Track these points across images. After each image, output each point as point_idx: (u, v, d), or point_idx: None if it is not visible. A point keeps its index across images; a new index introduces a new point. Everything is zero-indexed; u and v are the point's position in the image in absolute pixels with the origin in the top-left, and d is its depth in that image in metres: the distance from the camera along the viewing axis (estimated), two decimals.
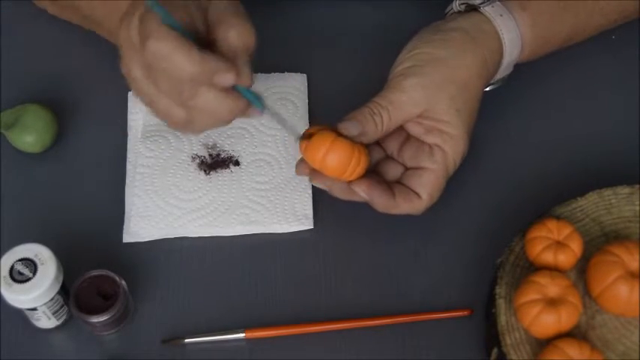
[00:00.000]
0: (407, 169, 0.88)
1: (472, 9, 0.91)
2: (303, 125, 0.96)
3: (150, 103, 0.80)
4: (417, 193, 0.86)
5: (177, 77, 0.76)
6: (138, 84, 0.79)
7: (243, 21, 0.79)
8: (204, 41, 0.78)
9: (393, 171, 0.89)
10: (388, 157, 0.90)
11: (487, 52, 0.89)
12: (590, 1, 0.93)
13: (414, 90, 0.86)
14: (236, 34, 0.78)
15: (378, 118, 0.86)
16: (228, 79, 0.76)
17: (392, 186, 0.87)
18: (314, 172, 0.87)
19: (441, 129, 0.86)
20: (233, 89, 0.78)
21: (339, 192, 0.87)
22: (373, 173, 0.88)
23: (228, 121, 0.81)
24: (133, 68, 0.78)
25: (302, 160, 0.87)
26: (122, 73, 0.80)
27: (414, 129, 0.88)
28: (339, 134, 0.84)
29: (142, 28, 0.76)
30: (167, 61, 0.75)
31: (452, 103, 0.86)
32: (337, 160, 0.83)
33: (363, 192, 0.85)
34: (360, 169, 0.85)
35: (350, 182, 0.85)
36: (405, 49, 0.89)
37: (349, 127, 0.85)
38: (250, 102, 0.79)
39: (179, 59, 0.75)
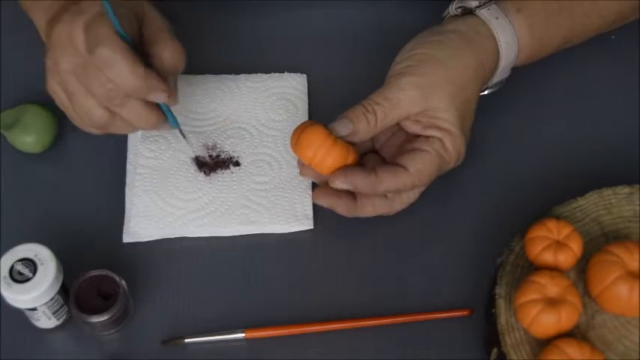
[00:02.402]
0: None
1: (468, 12, 0.91)
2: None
3: (71, 99, 0.84)
4: (403, 167, 0.86)
5: (116, 85, 0.81)
6: (65, 78, 0.83)
7: (176, 43, 0.86)
8: (138, 52, 0.83)
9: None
10: (384, 160, 0.90)
11: (484, 54, 0.89)
12: (587, 3, 0.93)
13: (411, 88, 0.86)
14: (170, 56, 0.85)
15: (371, 116, 0.86)
16: (162, 97, 0.84)
17: (374, 167, 0.86)
18: (315, 192, 0.88)
19: (440, 125, 0.86)
20: (156, 104, 0.85)
21: (344, 209, 0.87)
22: None
23: (136, 130, 0.88)
24: (64, 63, 0.82)
25: (305, 165, 0.88)
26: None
27: (413, 127, 0.88)
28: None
29: (92, 33, 0.81)
30: (112, 69, 0.81)
31: (450, 102, 0.86)
32: (305, 148, 0.85)
33: (342, 183, 0.85)
34: (338, 163, 0.85)
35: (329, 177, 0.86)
36: (402, 51, 0.89)
37: (337, 128, 0.86)
38: (166, 118, 0.87)
39: (125, 70, 0.81)
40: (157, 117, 0.86)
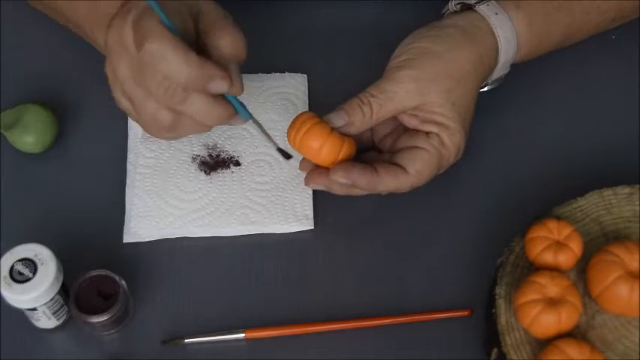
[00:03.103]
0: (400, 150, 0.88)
1: (467, 8, 0.91)
2: None
3: (134, 106, 0.81)
4: (403, 168, 0.86)
5: (173, 80, 0.77)
6: (124, 85, 0.80)
7: (235, 30, 0.81)
8: (194, 47, 0.79)
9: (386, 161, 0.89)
10: (382, 153, 0.90)
11: (483, 48, 0.89)
12: (587, 0, 0.93)
13: (408, 81, 0.86)
14: (228, 43, 0.80)
15: (366, 108, 0.86)
16: (222, 86, 0.78)
17: (375, 164, 0.86)
18: (308, 176, 0.87)
19: (437, 120, 0.86)
20: (222, 97, 0.80)
21: (337, 188, 0.87)
22: None
23: (211, 128, 0.83)
24: (120, 68, 0.79)
25: (305, 159, 0.88)
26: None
27: (410, 121, 0.88)
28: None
29: (140, 29, 0.77)
30: (164, 63, 0.76)
31: (447, 97, 0.86)
32: (312, 144, 0.85)
33: (341, 178, 0.85)
34: (342, 157, 0.85)
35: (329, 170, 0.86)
36: (400, 45, 0.90)
37: (332, 119, 0.86)
38: (236, 110, 0.81)
39: (177, 61, 0.76)
40: (223, 110, 0.80)
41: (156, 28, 0.76)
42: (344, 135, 0.86)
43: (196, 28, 0.81)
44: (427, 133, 0.87)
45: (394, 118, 0.88)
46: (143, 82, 0.78)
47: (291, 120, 0.96)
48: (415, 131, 0.88)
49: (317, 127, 0.85)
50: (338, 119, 0.86)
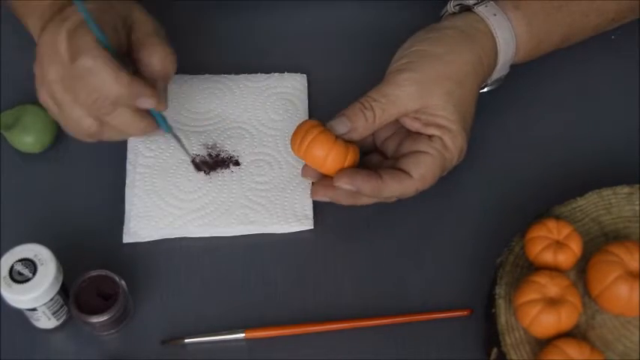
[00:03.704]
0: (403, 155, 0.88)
1: (466, 9, 0.91)
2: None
3: (60, 109, 0.83)
4: (407, 173, 0.86)
5: (102, 94, 0.80)
6: (51, 88, 0.82)
7: (164, 48, 0.85)
8: (125, 59, 0.83)
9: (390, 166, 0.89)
10: (386, 159, 0.90)
11: (482, 49, 0.89)
12: (586, 1, 0.93)
13: (409, 84, 0.86)
14: (158, 61, 0.84)
15: (369, 113, 0.86)
16: (149, 103, 0.82)
17: (379, 170, 0.86)
18: (313, 188, 0.88)
19: (439, 123, 0.86)
20: (146, 111, 0.84)
21: (343, 199, 0.87)
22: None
23: (134, 136, 0.88)
24: (50, 73, 0.81)
25: (307, 165, 0.88)
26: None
27: (412, 124, 0.88)
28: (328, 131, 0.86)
29: (74, 41, 0.80)
30: (96, 79, 0.80)
31: (448, 99, 0.87)
32: (317, 153, 0.85)
33: (345, 184, 0.85)
34: (347, 166, 0.85)
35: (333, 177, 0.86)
36: (400, 49, 0.90)
37: (335, 126, 0.86)
38: (158, 123, 0.86)
39: (108, 79, 0.80)
40: (147, 123, 0.85)
41: (90, 44, 0.79)
42: (348, 142, 0.86)
43: (129, 39, 0.85)
44: (430, 137, 0.87)
45: (395, 120, 0.88)
46: (72, 89, 0.81)
47: (290, 120, 0.96)
48: (417, 134, 0.88)
49: (322, 136, 0.85)
50: (341, 126, 0.86)
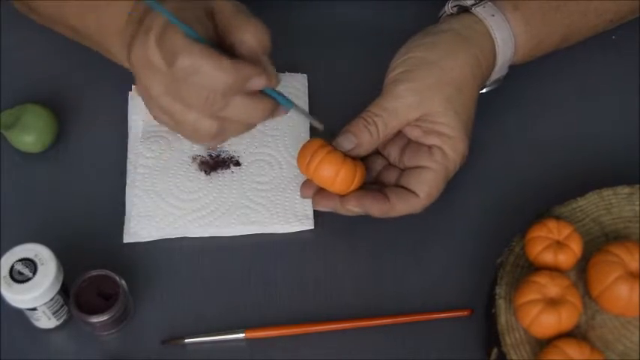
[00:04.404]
0: (406, 169, 0.88)
1: (464, 10, 0.91)
2: (303, 125, 0.96)
3: (175, 120, 0.79)
4: (414, 192, 0.86)
5: (210, 89, 0.76)
6: (159, 102, 0.79)
7: (255, 21, 0.80)
8: (220, 47, 0.78)
9: (393, 177, 0.89)
10: (390, 165, 0.90)
11: (479, 51, 0.89)
12: (584, 1, 0.93)
13: (408, 95, 0.86)
14: (252, 36, 0.79)
15: (372, 128, 0.86)
16: (261, 83, 0.77)
17: (386, 190, 0.87)
18: (315, 197, 0.88)
19: (440, 130, 0.86)
20: (260, 92, 0.79)
21: (346, 211, 0.87)
22: (374, 183, 0.89)
23: (256, 125, 0.82)
24: (153, 87, 0.78)
25: (306, 182, 0.88)
26: (140, 95, 0.80)
27: (413, 132, 0.88)
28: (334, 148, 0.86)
29: (166, 46, 0.76)
30: (199, 75, 0.75)
31: (449, 105, 0.86)
32: (327, 173, 0.85)
33: (354, 207, 0.86)
34: (355, 185, 0.86)
35: (341, 198, 0.86)
36: (396, 55, 0.89)
37: (341, 143, 0.86)
38: (277, 102, 0.80)
39: (212, 71, 0.75)
40: (266, 105, 0.79)
41: (182, 43, 0.75)
42: (355, 160, 0.86)
43: (216, 27, 0.80)
44: (429, 148, 0.87)
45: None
46: (180, 96, 0.77)
47: (290, 120, 0.96)
48: (418, 144, 0.88)
49: (330, 156, 0.85)
50: (347, 142, 0.86)
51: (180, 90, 0.77)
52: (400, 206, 0.86)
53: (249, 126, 0.81)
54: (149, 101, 0.80)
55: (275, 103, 0.80)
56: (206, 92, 0.76)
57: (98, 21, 0.88)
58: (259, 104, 0.79)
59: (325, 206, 0.88)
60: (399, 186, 0.87)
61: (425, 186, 0.86)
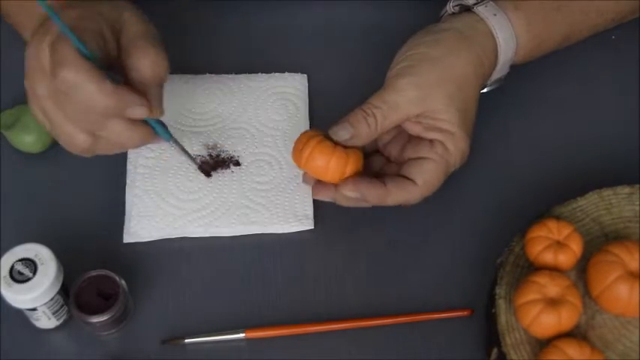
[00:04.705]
0: (406, 161, 0.88)
1: (466, 10, 0.91)
2: (303, 125, 0.96)
3: (52, 126, 0.80)
4: (412, 180, 0.86)
5: (89, 108, 0.77)
6: (41, 103, 0.79)
7: (156, 50, 0.80)
8: (116, 66, 0.79)
9: (393, 171, 0.89)
10: (389, 162, 0.90)
11: (481, 50, 0.89)
12: (586, 1, 0.93)
13: (409, 89, 0.86)
14: (148, 64, 0.79)
15: (371, 120, 0.86)
16: (140, 112, 0.78)
17: (384, 178, 0.86)
18: (314, 187, 0.88)
19: (441, 127, 0.86)
20: (142, 120, 0.80)
21: (344, 200, 0.87)
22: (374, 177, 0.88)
23: (132, 148, 0.84)
24: (39, 88, 0.78)
25: (306, 176, 0.89)
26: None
27: (414, 128, 0.88)
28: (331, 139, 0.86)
29: (55, 54, 0.76)
30: (80, 93, 0.76)
31: (450, 102, 0.86)
32: (318, 163, 0.85)
33: (350, 191, 0.85)
34: (349, 172, 0.85)
35: (337, 185, 0.86)
36: (399, 52, 0.89)
37: (338, 132, 0.86)
38: (156, 132, 0.82)
39: (92, 91, 0.76)
40: (143, 134, 0.81)
41: (70, 56, 0.76)
42: (348, 148, 0.86)
43: (118, 44, 0.81)
44: (431, 141, 0.87)
45: (398, 125, 0.88)
46: (62, 105, 0.78)
47: (290, 120, 0.96)
48: (419, 139, 0.88)
49: (321, 146, 0.85)
50: (343, 132, 0.86)
51: (62, 100, 0.77)
52: (397, 193, 0.85)
53: (124, 149, 0.83)
54: (33, 99, 0.80)
55: (153, 133, 0.82)
56: (84, 109, 0.77)
57: (20, 6, 0.88)
58: (137, 131, 0.80)
59: (324, 195, 0.87)
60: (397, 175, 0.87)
61: (424, 174, 0.86)
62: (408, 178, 0.86)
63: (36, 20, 0.83)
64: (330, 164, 0.85)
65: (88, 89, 0.76)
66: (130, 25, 0.81)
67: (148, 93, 0.80)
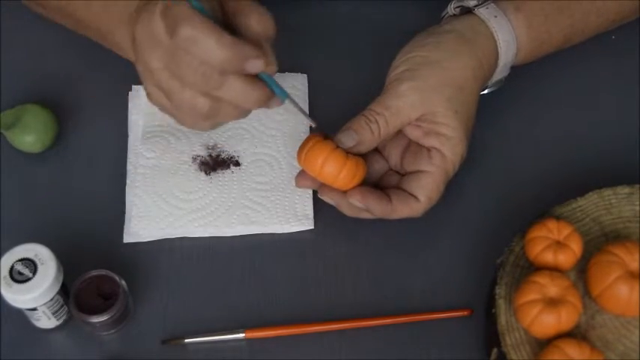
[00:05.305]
0: (406, 173, 0.89)
1: (467, 11, 0.91)
2: (304, 125, 0.96)
3: (170, 97, 0.79)
4: (414, 196, 0.86)
5: (208, 63, 0.75)
6: (158, 77, 0.78)
7: (262, 9, 0.79)
8: (225, 29, 0.77)
9: (394, 181, 0.89)
10: (390, 170, 0.90)
11: (482, 53, 0.89)
12: (587, 2, 0.93)
13: (410, 94, 0.86)
14: (257, 22, 0.78)
15: (374, 126, 0.86)
16: (258, 65, 0.76)
17: (389, 191, 0.87)
18: (322, 187, 0.88)
19: (439, 131, 0.86)
20: (258, 79, 0.78)
21: (347, 209, 0.88)
22: (375, 186, 0.88)
23: (249, 112, 0.81)
24: (153, 61, 0.77)
25: (302, 172, 0.88)
26: (137, 71, 0.79)
27: (413, 132, 0.88)
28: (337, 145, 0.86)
29: (170, 16, 0.75)
30: (199, 47, 0.75)
31: (449, 105, 0.86)
32: (331, 172, 0.85)
33: (357, 201, 0.85)
34: (356, 181, 0.86)
35: (345, 193, 0.86)
36: (399, 54, 0.89)
37: (343, 139, 0.86)
38: (273, 91, 0.79)
39: (211, 44, 0.74)
40: (261, 91, 0.78)
41: (186, 13, 0.75)
42: (357, 157, 0.86)
43: (223, 10, 0.80)
44: (429, 151, 0.87)
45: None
46: (178, 70, 0.77)
47: (291, 120, 0.96)
48: (418, 147, 0.88)
49: (334, 155, 0.85)
50: (348, 139, 0.86)
51: (179, 63, 0.76)
52: (401, 209, 0.86)
53: (242, 111, 0.80)
54: (147, 76, 0.79)
55: (270, 92, 0.80)
56: (203, 67, 0.76)
57: (105, 11, 0.88)
58: (254, 89, 0.78)
59: (330, 197, 0.88)
60: (400, 189, 0.87)
61: (425, 190, 0.86)
62: (410, 194, 0.86)
63: (126, 15, 0.82)
64: (342, 173, 0.85)
65: (208, 42, 0.74)
66: None
67: (261, 48, 0.78)
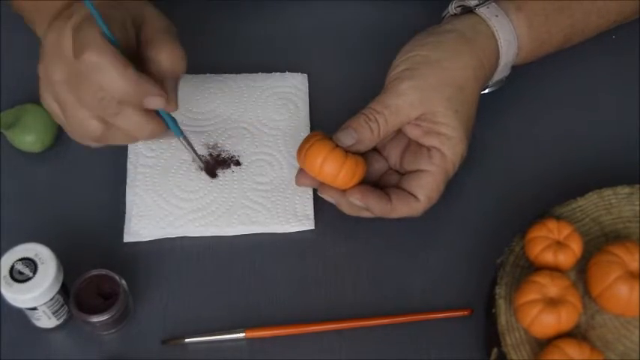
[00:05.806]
0: (406, 173, 0.89)
1: (468, 11, 0.91)
2: (304, 125, 0.96)
3: (64, 111, 0.80)
4: (414, 196, 0.86)
5: (108, 92, 0.77)
6: (56, 88, 0.79)
7: (174, 45, 0.81)
8: (135, 58, 0.79)
9: (394, 181, 0.89)
10: (390, 169, 0.90)
11: (483, 53, 0.89)
12: (587, 2, 0.93)
13: (410, 93, 0.86)
14: (166, 58, 0.80)
15: (373, 125, 0.86)
16: (158, 102, 0.79)
17: (388, 190, 0.87)
18: (322, 185, 0.88)
19: (439, 131, 0.86)
20: (155, 112, 0.80)
21: (347, 208, 0.88)
22: (375, 186, 0.88)
23: (138, 140, 0.83)
24: (55, 72, 0.78)
25: (301, 171, 0.88)
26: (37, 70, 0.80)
27: (413, 132, 0.88)
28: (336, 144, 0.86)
29: (79, 38, 0.76)
30: (102, 75, 0.76)
31: (449, 105, 0.86)
32: (331, 171, 0.85)
33: (357, 200, 0.85)
34: (356, 180, 0.86)
35: (344, 192, 0.86)
36: (399, 53, 0.89)
37: (342, 138, 0.86)
38: (168, 126, 0.82)
39: (114, 75, 0.76)
40: (156, 125, 0.81)
41: (96, 39, 0.76)
42: (356, 156, 0.86)
43: (138, 38, 0.81)
44: (428, 150, 0.87)
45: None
46: (77, 90, 0.78)
47: (291, 120, 0.96)
48: (418, 147, 0.88)
49: (334, 154, 0.85)
50: (348, 138, 0.86)
51: (80, 84, 0.77)
52: (401, 209, 0.86)
53: (132, 139, 0.82)
54: (47, 86, 0.80)
55: (165, 126, 0.82)
56: (102, 94, 0.77)
57: (34, 3, 0.89)
58: (149, 122, 0.80)
59: (330, 195, 0.88)
60: (399, 188, 0.87)
61: (424, 189, 0.86)
62: (410, 193, 0.86)
63: (52, 16, 0.83)
64: (342, 172, 0.85)
65: (111, 73, 0.76)
66: (152, 20, 0.82)
67: (164, 85, 0.80)
